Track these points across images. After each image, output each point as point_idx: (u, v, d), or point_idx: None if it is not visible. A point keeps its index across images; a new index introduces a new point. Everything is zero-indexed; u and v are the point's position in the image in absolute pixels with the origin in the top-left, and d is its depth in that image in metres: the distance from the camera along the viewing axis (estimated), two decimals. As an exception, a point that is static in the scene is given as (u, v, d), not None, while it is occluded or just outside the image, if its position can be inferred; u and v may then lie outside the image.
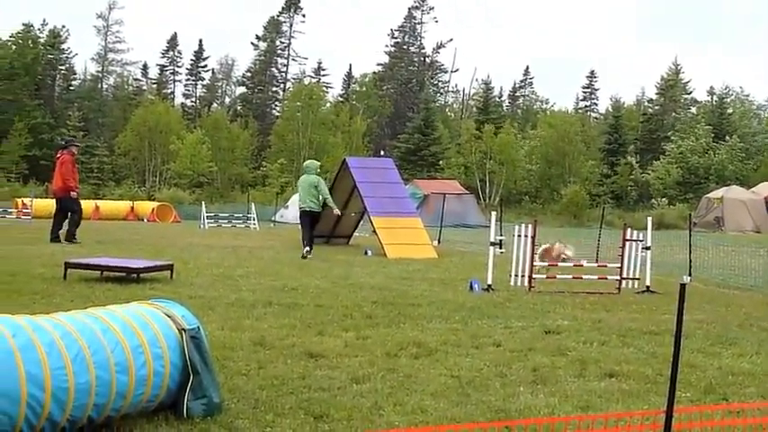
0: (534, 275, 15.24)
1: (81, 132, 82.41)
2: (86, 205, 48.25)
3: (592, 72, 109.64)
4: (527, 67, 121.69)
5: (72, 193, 24.25)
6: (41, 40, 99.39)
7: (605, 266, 16.79)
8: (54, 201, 25.29)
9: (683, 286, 4.93)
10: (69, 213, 24.20)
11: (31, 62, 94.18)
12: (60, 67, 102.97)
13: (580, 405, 6.86)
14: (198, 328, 6.29)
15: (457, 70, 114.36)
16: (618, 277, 15.71)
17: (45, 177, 77.55)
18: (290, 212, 49.72)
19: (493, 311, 12.02)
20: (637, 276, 16.11)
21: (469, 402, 6.80)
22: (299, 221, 23.69)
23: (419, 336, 9.70)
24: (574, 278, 15.58)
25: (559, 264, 18.01)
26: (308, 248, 21.99)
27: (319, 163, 25.64)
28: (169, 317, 6.24)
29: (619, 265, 15.94)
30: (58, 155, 24.83)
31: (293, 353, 8.46)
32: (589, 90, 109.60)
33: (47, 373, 5.16)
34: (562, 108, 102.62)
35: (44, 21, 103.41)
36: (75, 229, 24.01)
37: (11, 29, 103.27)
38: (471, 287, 14.70)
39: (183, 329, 6.14)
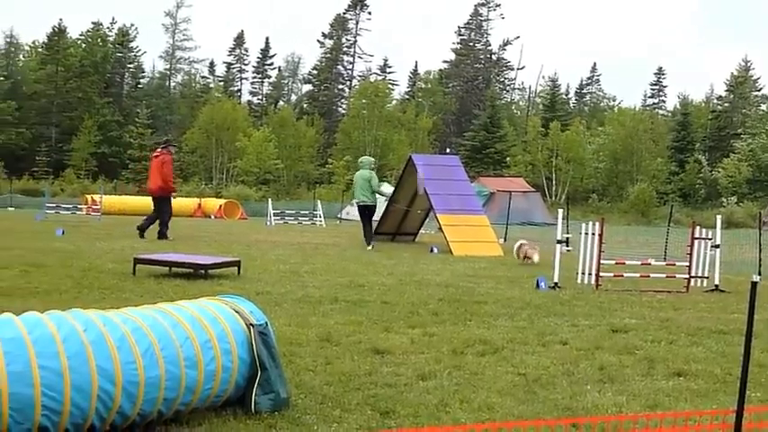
0: (601, 273, 15.16)
1: (149, 130, 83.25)
2: (155, 202, 48.97)
3: (660, 69, 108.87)
4: (594, 64, 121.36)
5: (172, 193, 25.16)
6: (111, 39, 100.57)
7: (673, 265, 16.65)
8: (151, 199, 25.46)
9: (754, 284, 4.88)
10: (160, 213, 24.58)
11: (100, 60, 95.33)
12: (129, 65, 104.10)
13: (648, 404, 6.82)
14: (266, 323, 6.32)
15: (523, 67, 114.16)
16: (686, 276, 15.57)
17: (114, 174, 78.62)
18: (356, 210, 49.95)
19: (559, 309, 11.97)
20: (705, 275, 15.97)
21: (536, 400, 6.78)
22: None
23: (485, 333, 9.68)
24: (641, 277, 15.45)
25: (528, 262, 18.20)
26: (372, 244, 23.81)
27: (373, 159, 27.06)
28: (237, 312, 6.29)
29: (687, 263, 15.81)
30: (156, 154, 25.17)
31: (360, 349, 8.48)
32: (657, 87, 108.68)
33: (117, 368, 5.23)
34: (629, 106, 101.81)
35: (113, 19, 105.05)
36: (166, 228, 24.36)
37: (81, 27, 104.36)
38: (538, 285, 14.64)
39: (252, 325, 6.18)
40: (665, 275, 15.65)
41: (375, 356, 8.19)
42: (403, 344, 8.86)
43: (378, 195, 25.32)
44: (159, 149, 25.34)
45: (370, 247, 23.52)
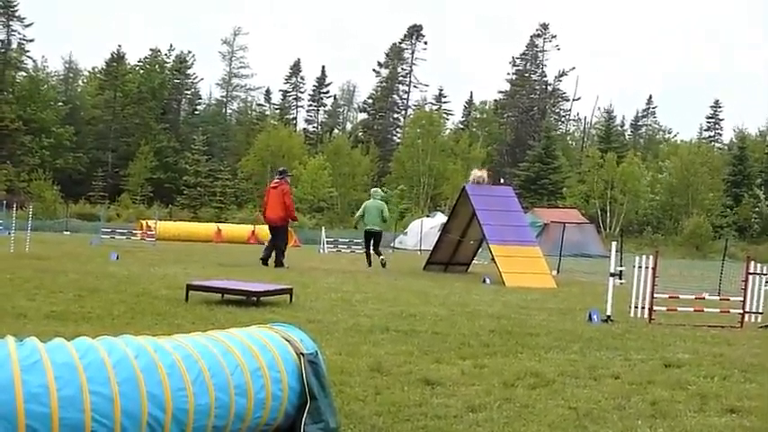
0: (655, 307, 15.02)
1: (205, 156, 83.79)
2: (209, 228, 49.38)
3: (716, 102, 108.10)
4: (650, 96, 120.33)
5: (293, 221, 26.40)
6: (168, 65, 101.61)
7: (728, 300, 16.45)
8: (268, 228, 26.45)
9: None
10: (278, 240, 25.34)
11: (158, 86, 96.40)
12: (186, 92, 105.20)
13: (700, 441, 6.74)
14: (316, 352, 6.32)
15: (579, 98, 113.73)
16: (740, 311, 15.39)
17: (169, 200, 79.20)
18: (409, 239, 49.94)
19: (612, 343, 11.87)
20: (760, 310, 15.78)
21: (587, 435, 6.73)
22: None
23: (536, 366, 9.62)
24: (695, 311, 15.30)
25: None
26: (381, 258, 27.26)
27: (383, 192, 29.76)
28: (288, 341, 6.29)
29: (741, 298, 15.63)
30: (275, 184, 25.80)
31: (410, 380, 8.45)
32: (713, 120, 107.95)
33: (168, 394, 5.25)
34: (685, 138, 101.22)
35: (171, 46, 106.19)
36: (282, 256, 25.02)
37: (139, 54, 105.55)
38: (590, 318, 14.54)
39: (302, 354, 6.18)
40: (719, 310, 15.49)
41: (425, 387, 8.15)
42: (453, 375, 8.83)
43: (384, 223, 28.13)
44: (277, 179, 26.03)
45: (381, 259, 27.02)
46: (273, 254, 25.01)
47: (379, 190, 29.91)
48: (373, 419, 6.85)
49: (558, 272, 27.55)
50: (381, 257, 27.26)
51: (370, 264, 27.15)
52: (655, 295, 15.12)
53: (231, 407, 5.59)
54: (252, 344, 6.03)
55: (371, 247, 27.70)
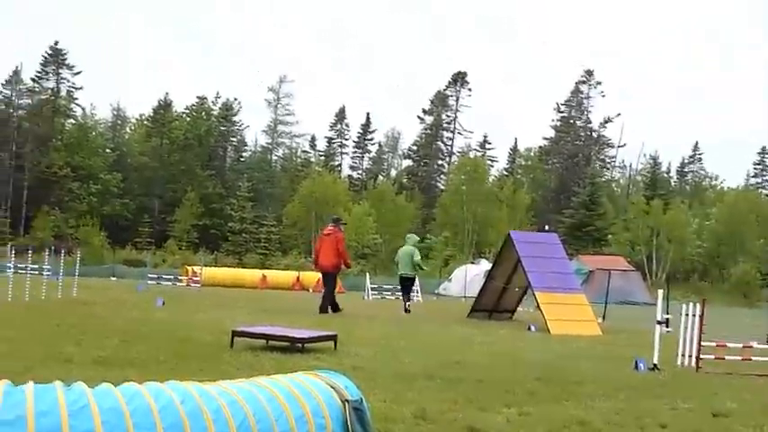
0: (702, 355, 14.89)
1: (250, 203, 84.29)
2: (254, 274, 49.55)
3: (763, 148, 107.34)
4: (696, 143, 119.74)
5: (347, 268, 27.24)
6: (214, 113, 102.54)
7: (777, 348, 16.28)
8: (321, 274, 27.50)
9: None
10: (328, 286, 25.94)
11: (204, 134, 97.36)
12: (232, 139, 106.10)
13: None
14: (361, 399, 6.31)
15: (624, 145, 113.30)
16: (790, 360, 15.23)
17: (214, 246, 79.65)
18: (454, 286, 49.86)
19: (659, 391, 11.77)
20: (810, 359, 15.60)
21: (634, 485, 6.67)
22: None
23: (582, 414, 9.54)
24: (743, 359, 15.15)
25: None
26: (408, 305, 28.07)
27: (418, 238, 30.49)
28: (333, 387, 6.28)
29: (791, 347, 15.46)
30: (328, 232, 26.10)
31: (455, 428, 8.41)
32: (761, 167, 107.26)
33: (213, 440, 5.26)
34: (732, 185, 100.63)
35: (217, 93, 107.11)
36: (333, 299, 25.68)
37: (186, 101, 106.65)
38: (637, 366, 14.43)
39: (347, 400, 6.17)
40: (767, 358, 15.33)
41: (470, 435, 8.12)
42: (498, 423, 8.78)
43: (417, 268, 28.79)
44: (330, 227, 26.33)
45: (406, 310, 27.58)
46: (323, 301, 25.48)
47: (413, 236, 30.42)
48: (418, 467, 6.83)
49: (604, 319, 27.37)
50: (407, 303, 28.25)
51: (406, 309, 27.80)
52: (702, 343, 14.99)
53: (276, 453, 5.59)
54: (296, 390, 6.04)
55: (402, 292, 29.03)
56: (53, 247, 31.16)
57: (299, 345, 14.37)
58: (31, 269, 30.00)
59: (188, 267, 48.09)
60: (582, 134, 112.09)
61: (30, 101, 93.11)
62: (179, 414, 5.21)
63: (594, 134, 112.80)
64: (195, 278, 40.28)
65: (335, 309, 25.21)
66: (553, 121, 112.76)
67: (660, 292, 16.46)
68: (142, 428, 5.04)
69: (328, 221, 28.36)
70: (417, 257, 28.37)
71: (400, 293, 30.24)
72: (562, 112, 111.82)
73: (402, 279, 28.70)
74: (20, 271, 31.47)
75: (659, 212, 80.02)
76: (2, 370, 9.63)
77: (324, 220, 79.98)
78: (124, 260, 64.77)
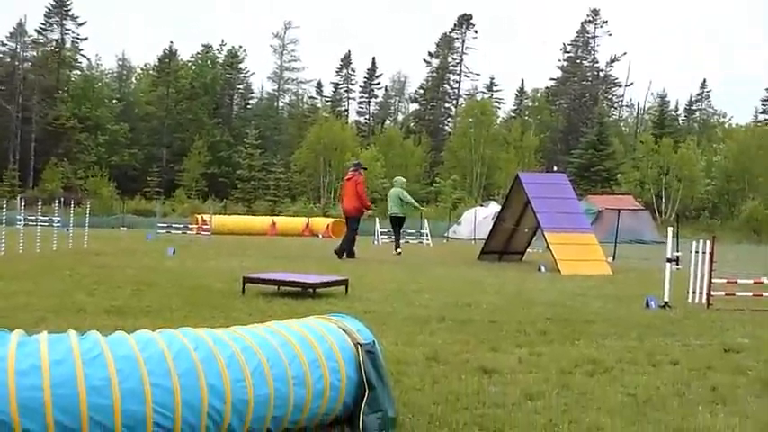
0: (712, 292, 14.90)
1: (258, 150, 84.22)
2: (264, 222, 49.62)
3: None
4: (704, 81, 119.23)
5: (368, 211, 26.90)
6: (220, 61, 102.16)
7: (787, 283, 16.28)
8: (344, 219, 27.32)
9: None
10: (350, 231, 26.06)
11: (210, 82, 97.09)
12: (238, 87, 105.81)
13: (761, 426, 6.67)
14: (373, 342, 6.33)
15: (631, 84, 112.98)
16: (801, 294, 15.23)
17: (223, 194, 79.70)
18: (463, 228, 49.88)
19: (670, 329, 11.79)
20: (821, 293, 15.61)
21: (646, 421, 6.68)
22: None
23: (594, 353, 9.57)
24: (754, 296, 15.15)
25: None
26: (399, 250, 29.25)
27: (405, 180, 32.01)
28: (345, 331, 6.30)
29: (801, 281, 15.47)
30: (349, 176, 26.40)
31: (467, 368, 8.44)
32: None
33: (227, 386, 5.29)
34: (739, 122, 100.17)
35: (222, 41, 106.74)
36: (353, 246, 25.87)
37: (191, 50, 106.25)
38: (647, 304, 14.45)
39: (359, 344, 6.19)
40: (778, 294, 15.33)
41: (483, 376, 8.14)
42: (511, 363, 8.81)
43: (406, 208, 30.36)
44: (351, 171, 26.64)
45: (396, 252, 28.80)
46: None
47: (401, 178, 31.75)
48: (431, 408, 6.85)
49: (614, 259, 27.39)
50: (398, 245, 29.98)
51: (397, 248, 29.54)
52: (713, 280, 14.99)
53: (290, 397, 5.62)
54: (309, 335, 6.06)
55: (397, 233, 30.33)
56: (62, 199, 31.18)
57: (311, 290, 14.41)
58: (42, 221, 30.07)
59: (198, 216, 48.13)
60: (589, 74, 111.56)
61: (35, 53, 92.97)
62: (193, 360, 5.24)
63: (601, 74, 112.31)
64: (205, 226, 40.24)
65: (350, 255, 25.40)
66: (560, 61, 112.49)
67: (670, 229, 16.45)
68: (156, 375, 5.07)
69: (337, 168, 28.63)
70: (407, 197, 29.77)
71: (415, 239, 30.40)
72: (568, 53, 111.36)
73: (392, 219, 30.03)
74: (30, 223, 31.58)
75: (668, 151, 79.71)
76: (15, 321, 9.68)
77: (332, 166, 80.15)
78: (134, 210, 64.88)
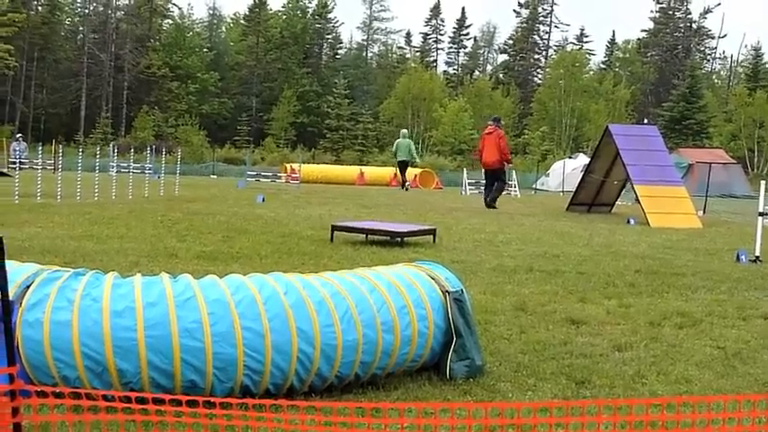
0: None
1: (346, 100, 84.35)
2: (352, 171, 49.78)
3: None
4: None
5: (509, 164, 28.14)
6: (310, 10, 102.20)
7: None
8: (484, 171, 28.06)
9: None
10: (497, 182, 26.88)
11: (299, 31, 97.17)
12: (327, 36, 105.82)
13: None
14: (461, 291, 6.36)
15: (725, 36, 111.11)
16: None
17: (312, 143, 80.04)
18: (552, 180, 49.58)
19: (760, 283, 11.65)
20: None
21: (736, 374, 6.64)
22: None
23: (683, 306, 9.50)
24: None
25: None
26: (408, 185, 38.67)
27: (407, 131, 42.67)
28: (433, 279, 6.34)
29: None
30: (489, 131, 26.99)
31: (554, 319, 8.45)
32: None
33: (316, 330, 5.37)
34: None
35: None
36: (499, 195, 27.07)
37: (281, 0, 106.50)
38: (738, 258, 14.28)
39: (447, 292, 6.23)
40: None
41: (570, 326, 8.15)
42: (598, 314, 8.80)
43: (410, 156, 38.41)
44: (491, 125, 27.26)
45: (405, 189, 37.30)
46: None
47: (405, 131, 42.38)
48: (518, 357, 6.88)
49: (704, 212, 27.05)
50: (406, 183, 38.86)
51: (404, 186, 38.36)
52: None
53: (378, 343, 5.68)
54: (398, 281, 6.10)
55: (403, 174, 38.74)
56: (154, 147, 31.62)
57: (399, 239, 14.47)
58: (134, 168, 30.50)
59: (287, 165, 48.35)
60: (681, 25, 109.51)
61: (127, 2, 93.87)
62: (283, 305, 5.32)
63: (694, 25, 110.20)
64: (294, 175, 40.43)
65: (491, 205, 26.15)
66: (652, 12, 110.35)
67: (762, 183, 16.17)
68: (247, 319, 5.16)
69: (425, 118, 29.07)
70: (413, 147, 39.59)
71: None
72: (661, 3, 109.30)
73: (400, 163, 38.37)
74: (122, 170, 32.05)
75: (762, 104, 78.17)
76: (109, 265, 9.88)
77: (420, 117, 79.96)
78: (223, 158, 65.41)
